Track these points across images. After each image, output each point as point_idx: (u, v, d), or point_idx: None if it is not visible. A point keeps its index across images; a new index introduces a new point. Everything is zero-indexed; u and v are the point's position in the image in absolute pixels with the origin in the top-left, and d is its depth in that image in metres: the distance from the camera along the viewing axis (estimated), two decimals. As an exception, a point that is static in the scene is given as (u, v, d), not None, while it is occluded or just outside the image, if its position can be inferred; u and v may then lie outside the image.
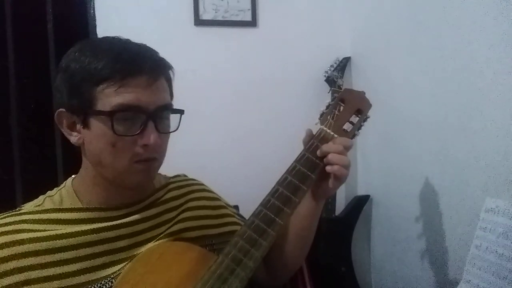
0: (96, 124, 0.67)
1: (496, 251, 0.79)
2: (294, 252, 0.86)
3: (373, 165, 1.70)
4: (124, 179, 0.70)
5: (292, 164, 0.74)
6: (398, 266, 1.50)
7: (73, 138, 0.71)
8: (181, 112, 0.75)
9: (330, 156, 0.73)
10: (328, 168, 0.73)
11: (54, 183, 0.81)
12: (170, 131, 0.74)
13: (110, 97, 0.65)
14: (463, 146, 1.14)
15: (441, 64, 1.22)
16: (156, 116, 0.68)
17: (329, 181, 0.75)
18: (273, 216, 0.70)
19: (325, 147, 0.74)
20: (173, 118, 0.75)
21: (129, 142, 0.67)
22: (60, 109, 0.70)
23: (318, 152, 0.74)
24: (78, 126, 0.70)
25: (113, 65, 0.65)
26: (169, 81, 0.75)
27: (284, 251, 0.85)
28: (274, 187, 0.72)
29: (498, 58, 1.01)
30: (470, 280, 0.82)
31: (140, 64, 0.67)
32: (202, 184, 0.94)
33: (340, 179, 0.75)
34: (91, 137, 0.69)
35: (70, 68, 0.68)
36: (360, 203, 1.69)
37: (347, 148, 0.75)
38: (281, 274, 0.90)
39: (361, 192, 1.76)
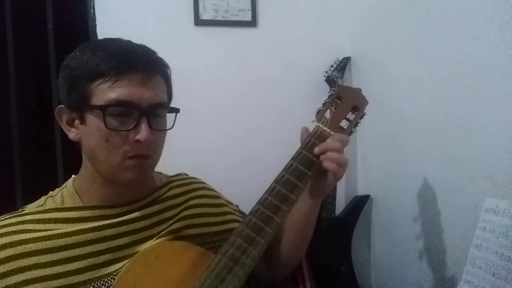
0: (91, 120, 0.69)
1: (496, 251, 0.79)
2: (293, 249, 0.87)
3: (373, 165, 1.70)
4: (117, 175, 0.71)
5: (289, 161, 0.74)
6: (398, 266, 1.50)
7: (71, 134, 0.73)
8: (176, 110, 0.76)
9: (329, 154, 0.73)
10: (325, 163, 0.73)
11: (54, 183, 0.82)
12: (165, 129, 0.75)
13: (104, 93, 0.67)
14: (463, 146, 1.14)
15: (441, 64, 1.22)
16: (149, 113, 0.70)
17: (325, 181, 0.75)
18: (270, 214, 0.70)
19: (323, 145, 0.74)
20: (170, 117, 0.76)
21: (122, 137, 0.69)
22: (60, 105, 0.73)
23: (316, 150, 0.74)
24: (76, 122, 0.72)
25: (109, 62, 0.67)
26: (166, 81, 0.76)
27: (283, 248, 0.86)
28: (271, 185, 0.72)
29: (498, 58, 1.01)
30: (470, 280, 0.82)
31: (135, 61, 0.69)
32: (203, 183, 0.94)
33: (336, 177, 0.75)
34: (87, 133, 0.70)
35: (69, 65, 0.70)
36: (360, 203, 1.69)
37: (344, 144, 0.75)
38: (280, 269, 0.91)
39: (361, 192, 1.76)
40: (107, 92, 0.67)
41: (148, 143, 0.69)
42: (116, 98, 0.67)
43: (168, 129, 0.76)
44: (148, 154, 0.71)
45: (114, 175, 0.71)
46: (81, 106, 0.69)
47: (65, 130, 0.74)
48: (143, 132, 0.68)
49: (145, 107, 0.69)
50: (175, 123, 0.76)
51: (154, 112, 0.71)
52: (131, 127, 0.68)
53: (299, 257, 0.93)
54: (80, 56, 0.70)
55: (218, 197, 0.93)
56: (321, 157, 0.74)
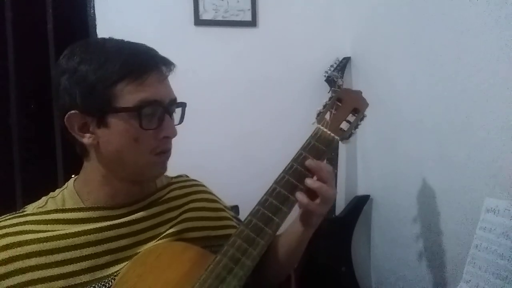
0: (116, 122, 0.68)
1: (496, 251, 0.79)
2: (280, 266, 0.87)
3: (373, 165, 1.70)
4: (144, 172, 0.73)
5: (289, 163, 0.74)
6: (398, 266, 1.50)
7: (86, 139, 0.70)
8: (184, 105, 0.78)
9: (319, 184, 0.70)
10: (307, 181, 0.70)
11: (54, 183, 0.82)
12: (177, 123, 0.77)
13: (132, 94, 0.67)
14: (463, 146, 1.14)
15: (441, 64, 1.22)
16: (170, 109, 0.72)
17: (316, 202, 0.72)
18: (270, 215, 0.70)
19: (316, 165, 0.71)
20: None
21: (151, 135, 0.70)
22: (72, 111, 0.69)
23: (306, 163, 0.72)
24: (92, 127, 0.70)
25: (130, 64, 0.68)
26: None
27: (270, 264, 0.85)
28: (271, 186, 0.72)
29: (498, 58, 1.01)
30: (470, 280, 0.82)
31: (154, 61, 0.70)
32: (203, 186, 0.94)
33: (326, 202, 0.72)
34: (109, 136, 0.69)
35: (80, 70, 0.68)
36: (360, 203, 1.69)
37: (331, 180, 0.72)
38: (266, 283, 0.90)
39: (361, 192, 1.76)
40: (135, 92, 0.67)
41: (173, 137, 0.73)
42: (147, 97, 0.68)
43: (179, 124, 0.78)
44: (170, 148, 0.75)
45: (140, 174, 0.73)
46: (102, 110, 0.68)
47: (77, 137, 0.71)
48: (172, 128, 0.72)
49: (167, 104, 0.71)
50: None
51: (172, 108, 0.74)
52: (159, 124, 0.70)
53: (285, 274, 0.92)
54: (90, 60, 0.68)
55: (217, 201, 0.93)
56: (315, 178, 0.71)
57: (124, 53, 0.69)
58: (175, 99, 0.74)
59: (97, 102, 0.68)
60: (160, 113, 0.70)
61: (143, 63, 0.69)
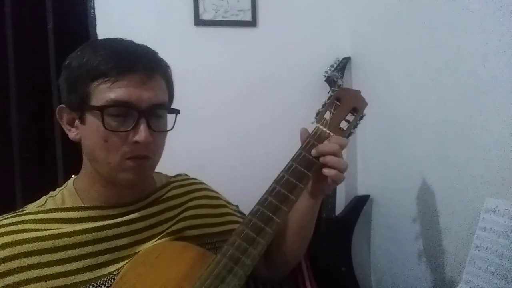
0: (90, 120, 0.69)
1: (496, 251, 0.79)
2: (293, 248, 0.87)
3: (373, 165, 1.70)
4: (116, 175, 0.71)
5: (289, 162, 0.74)
6: (398, 266, 1.50)
7: (72, 134, 0.74)
8: (176, 111, 0.75)
9: (328, 159, 0.73)
10: (325, 171, 0.73)
11: (54, 183, 0.82)
12: (165, 130, 0.75)
13: (103, 93, 0.67)
14: (463, 146, 1.14)
15: (441, 64, 1.22)
16: (149, 113, 0.69)
17: (326, 182, 0.75)
18: (270, 214, 0.70)
19: (321, 147, 0.74)
20: (171, 117, 0.76)
21: (121, 138, 0.68)
22: (61, 105, 0.73)
23: (313, 152, 0.74)
24: (77, 122, 0.72)
25: (108, 62, 0.67)
26: (167, 81, 0.76)
27: (282, 247, 0.86)
28: (271, 185, 0.73)
29: (498, 58, 1.01)
30: (470, 280, 0.82)
31: (134, 62, 0.68)
32: (203, 183, 0.94)
33: (336, 182, 0.75)
34: (86, 133, 0.71)
35: (70, 65, 0.70)
36: (360, 203, 1.69)
37: (342, 147, 0.74)
38: (280, 269, 0.91)
39: (361, 192, 1.76)
40: (106, 92, 0.67)
41: (147, 144, 0.69)
42: (115, 98, 0.66)
43: (168, 130, 0.75)
44: (147, 155, 0.71)
45: (112, 176, 0.71)
46: (80, 106, 0.69)
47: (65, 129, 0.74)
48: (142, 133, 0.67)
49: (145, 108, 0.68)
50: (175, 124, 0.76)
51: (154, 113, 0.71)
52: (130, 128, 0.68)
53: (299, 257, 0.92)
54: (80, 56, 0.70)
55: (218, 198, 0.93)
56: (321, 159, 0.73)
57: (107, 52, 0.69)
58: (158, 104, 0.70)
59: (77, 98, 0.69)
60: (135, 117, 0.68)
61: (121, 63, 0.67)
